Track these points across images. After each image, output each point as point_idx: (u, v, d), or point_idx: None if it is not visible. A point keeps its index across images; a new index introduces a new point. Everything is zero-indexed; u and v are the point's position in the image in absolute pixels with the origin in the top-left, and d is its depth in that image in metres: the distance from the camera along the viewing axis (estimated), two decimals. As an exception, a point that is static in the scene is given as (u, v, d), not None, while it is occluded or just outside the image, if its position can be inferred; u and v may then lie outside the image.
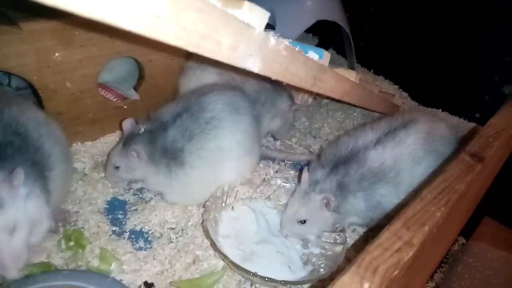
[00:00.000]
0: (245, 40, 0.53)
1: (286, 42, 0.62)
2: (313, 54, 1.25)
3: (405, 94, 1.81)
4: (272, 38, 0.57)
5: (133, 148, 1.01)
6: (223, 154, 1.05)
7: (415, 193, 0.65)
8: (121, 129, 1.28)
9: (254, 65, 0.54)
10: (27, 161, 0.80)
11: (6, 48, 0.95)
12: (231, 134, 1.06)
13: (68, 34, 1.04)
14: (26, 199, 0.77)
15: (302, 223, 1.00)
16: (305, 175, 1.01)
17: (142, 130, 1.04)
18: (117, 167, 1.06)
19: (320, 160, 1.03)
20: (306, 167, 1.04)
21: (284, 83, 1.39)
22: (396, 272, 0.51)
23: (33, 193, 0.79)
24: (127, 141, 1.04)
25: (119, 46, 1.13)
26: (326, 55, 1.26)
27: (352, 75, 1.28)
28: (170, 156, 1.02)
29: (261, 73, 0.56)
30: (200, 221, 1.06)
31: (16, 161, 0.78)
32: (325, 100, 1.68)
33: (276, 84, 1.36)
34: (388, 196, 1.00)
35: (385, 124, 1.05)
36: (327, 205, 0.97)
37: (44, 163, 0.85)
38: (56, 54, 1.02)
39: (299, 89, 1.48)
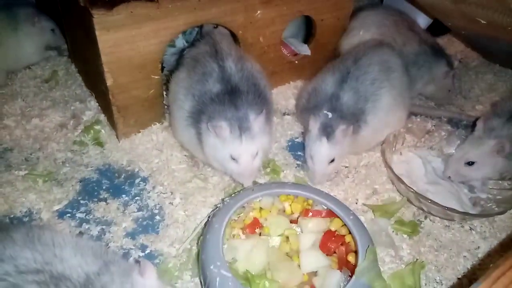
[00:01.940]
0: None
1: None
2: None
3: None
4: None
5: (341, 129, 1.03)
6: (386, 110, 1.14)
7: None
8: (289, 82, 1.47)
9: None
10: (263, 105, 1.01)
11: (224, 6, 1.14)
12: (390, 91, 1.15)
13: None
14: (265, 133, 1.00)
15: (470, 165, 1.09)
16: (479, 123, 1.09)
17: (330, 115, 1.07)
18: (332, 160, 1.07)
19: (496, 110, 1.10)
20: (481, 117, 1.12)
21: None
22: None
23: (267, 129, 1.02)
24: (326, 129, 1.04)
25: (302, 6, 1.29)
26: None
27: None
28: (355, 119, 1.08)
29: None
30: (370, 162, 1.21)
31: (256, 106, 0.99)
32: (473, 63, 1.70)
33: (436, 49, 1.42)
34: None
35: None
36: (500, 150, 1.05)
37: (267, 107, 1.05)
38: (258, 12, 1.20)
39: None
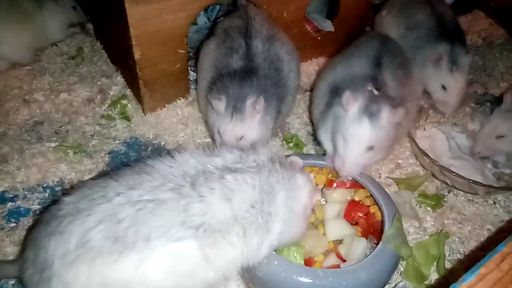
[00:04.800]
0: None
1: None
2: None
3: None
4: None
5: (389, 110, 0.87)
6: (416, 95, 1.14)
7: None
8: (311, 59, 1.47)
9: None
10: (279, 92, 1.03)
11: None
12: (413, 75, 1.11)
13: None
14: (260, 121, 0.99)
15: (500, 138, 1.08)
16: (507, 96, 1.08)
17: (376, 92, 0.91)
18: (371, 148, 0.89)
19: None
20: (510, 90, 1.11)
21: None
22: None
23: (265, 118, 1.01)
24: (370, 108, 0.88)
25: (326, -19, 1.28)
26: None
27: None
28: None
29: None
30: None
31: (262, 91, 0.98)
32: (498, 41, 1.67)
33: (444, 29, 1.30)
34: None
35: None
36: None
37: (285, 94, 1.06)
38: (282, -14, 1.20)
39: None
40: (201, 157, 0.73)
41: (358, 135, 0.87)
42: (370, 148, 0.88)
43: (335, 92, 0.96)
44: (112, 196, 0.66)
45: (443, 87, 1.19)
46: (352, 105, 0.88)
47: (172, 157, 0.74)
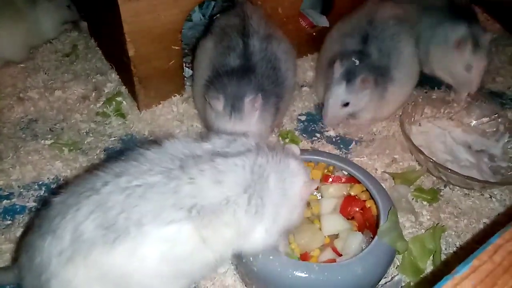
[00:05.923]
0: None
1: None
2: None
3: None
4: None
5: (363, 77, 1.07)
6: (409, 62, 1.19)
7: None
8: (307, 54, 1.47)
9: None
10: (276, 91, 1.04)
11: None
12: (408, 43, 1.19)
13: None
14: (259, 118, 1.00)
15: (345, 106, 1.13)
16: (336, 64, 1.10)
17: (357, 62, 1.10)
18: (346, 104, 1.11)
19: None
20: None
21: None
22: None
23: (264, 115, 1.01)
24: (349, 76, 1.09)
25: (321, -24, 1.28)
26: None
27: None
28: (381, 76, 1.12)
29: None
30: (387, 135, 1.21)
31: (259, 89, 0.99)
32: (494, 36, 1.66)
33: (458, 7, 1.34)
34: None
35: None
36: None
37: (282, 92, 1.08)
38: (277, -19, 1.20)
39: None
40: (189, 143, 0.71)
41: (337, 93, 1.09)
42: (346, 104, 1.11)
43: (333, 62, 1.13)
44: (100, 186, 0.64)
45: (467, 68, 1.23)
46: (337, 71, 1.10)
47: (159, 144, 0.71)
